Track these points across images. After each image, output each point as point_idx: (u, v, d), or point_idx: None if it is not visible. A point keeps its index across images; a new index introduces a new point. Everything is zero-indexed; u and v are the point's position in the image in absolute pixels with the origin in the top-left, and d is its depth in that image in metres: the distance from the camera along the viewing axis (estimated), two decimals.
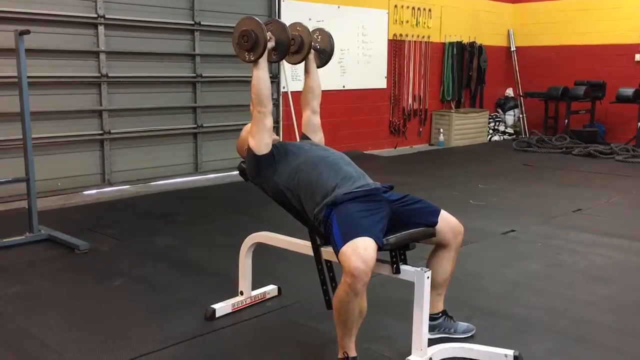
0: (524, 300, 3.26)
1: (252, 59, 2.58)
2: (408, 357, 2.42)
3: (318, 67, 2.96)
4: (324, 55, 2.96)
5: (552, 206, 5.44)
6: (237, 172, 2.89)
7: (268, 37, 2.59)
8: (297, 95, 7.51)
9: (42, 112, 5.42)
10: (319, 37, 2.94)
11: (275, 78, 7.30)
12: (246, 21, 2.60)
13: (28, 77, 4.17)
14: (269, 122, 2.62)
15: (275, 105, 7.37)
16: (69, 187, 5.74)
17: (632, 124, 9.20)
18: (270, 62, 2.71)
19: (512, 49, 10.79)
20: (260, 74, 2.59)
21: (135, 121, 6.21)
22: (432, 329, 2.65)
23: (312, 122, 2.95)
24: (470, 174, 7.12)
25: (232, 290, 3.12)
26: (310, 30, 2.88)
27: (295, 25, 2.86)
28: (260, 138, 2.60)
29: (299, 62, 2.93)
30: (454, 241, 2.62)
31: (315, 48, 2.91)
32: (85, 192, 5.83)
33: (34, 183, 4.25)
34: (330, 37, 2.96)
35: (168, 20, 6.34)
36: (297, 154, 2.65)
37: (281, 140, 2.97)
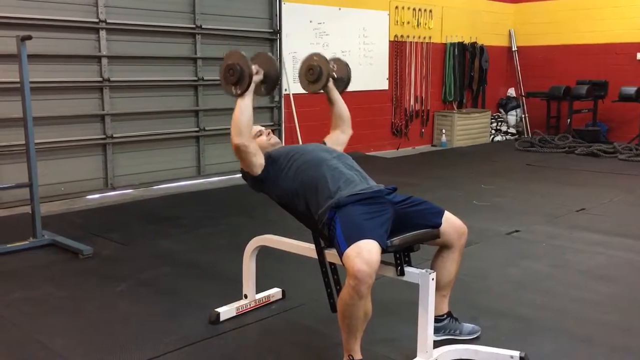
0: (529, 300, 3.25)
1: (239, 92, 2.57)
2: (413, 359, 2.41)
3: (339, 92, 3.01)
4: (341, 84, 3.02)
5: (556, 206, 5.42)
6: (240, 175, 2.88)
7: (255, 71, 2.59)
8: (298, 97, 7.52)
9: (45, 117, 5.43)
10: (335, 66, 2.99)
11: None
12: (231, 55, 2.59)
13: (30, 82, 4.17)
14: (253, 148, 2.60)
15: (277, 107, 7.37)
16: (72, 192, 5.75)
17: (634, 122, 9.19)
18: (259, 95, 2.71)
19: (513, 49, 10.78)
20: (244, 103, 2.57)
21: (137, 125, 6.22)
22: (437, 330, 2.64)
23: (340, 139, 3.00)
24: (473, 174, 7.11)
25: (236, 293, 3.12)
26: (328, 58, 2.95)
27: (312, 55, 2.94)
28: (252, 166, 2.62)
29: (318, 91, 2.98)
30: (458, 242, 2.61)
31: (332, 77, 2.96)
32: (88, 197, 5.83)
33: (37, 188, 4.25)
34: (346, 65, 3.04)
35: (169, 24, 6.35)
36: (298, 157, 2.65)
37: (283, 143, 2.97)
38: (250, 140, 2.60)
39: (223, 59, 2.61)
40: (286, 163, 2.64)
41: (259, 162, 2.62)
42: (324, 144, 2.94)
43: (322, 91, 3.00)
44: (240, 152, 2.59)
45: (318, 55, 2.93)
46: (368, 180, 2.62)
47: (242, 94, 2.57)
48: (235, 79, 2.56)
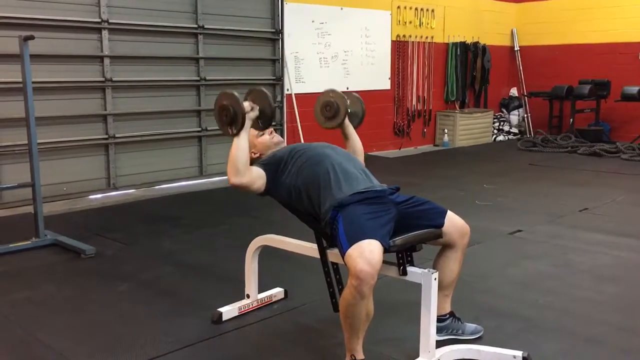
0: (532, 300, 3.25)
1: (234, 132, 2.57)
2: (416, 359, 2.41)
3: (353, 127, 3.01)
4: (356, 119, 3.03)
5: (559, 206, 5.41)
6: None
7: (250, 108, 2.58)
8: (300, 97, 7.52)
9: (47, 117, 5.43)
10: (349, 100, 2.99)
11: (279, 80, 7.30)
12: (223, 96, 2.60)
13: (33, 82, 4.18)
14: (251, 179, 2.58)
15: (280, 107, 7.37)
16: (74, 192, 5.75)
17: (637, 122, 9.17)
18: (256, 129, 2.71)
19: (515, 49, 10.77)
20: (240, 143, 2.55)
21: (139, 125, 6.22)
22: (439, 330, 2.64)
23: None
24: (476, 174, 7.10)
25: (238, 293, 3.12)
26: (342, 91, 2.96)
27: (328, 92, 2.95)
28: (254, 191, 2.62)
29: (336, 127, 2.98)
30: (460, 242, 2.61)
31: (348, 112, 2.97)
32: (90, 197, 5.84)
33: (39, 188, 4.25)
34: (359, 99, 3.05)
35: (171, 24, 6.35)
36: (302, 153, 2.65)
37: (285, 142, 2.97)
38: (247, 176, 2.57)
39: (216, 101, 2.62)
40: (289, 160, 2.65)
41: (259, 185, 2.62)
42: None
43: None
44: (240, 189, 2.60)
45: (334, 91, 2.95)
46: (372, 178, 2.62)
47: (237, 134, 2.57)
48: (230, 120, 2.57)
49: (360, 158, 2.97)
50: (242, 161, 2.54)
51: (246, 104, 2.57)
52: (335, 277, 2.74)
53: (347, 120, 2.95)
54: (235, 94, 2.57)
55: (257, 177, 2.60)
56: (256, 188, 2.61)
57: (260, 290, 3.13)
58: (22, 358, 2.65)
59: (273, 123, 2.89)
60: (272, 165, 2.66)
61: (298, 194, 2.60)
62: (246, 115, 2.55)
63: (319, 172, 2.55)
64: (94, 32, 5.83)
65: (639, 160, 7.82)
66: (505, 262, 3.92)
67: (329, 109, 2.93)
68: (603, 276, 3.64)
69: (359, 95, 3.06)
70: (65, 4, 5.60)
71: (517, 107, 10.67)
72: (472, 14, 10.03)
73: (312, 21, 7.79)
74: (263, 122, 2.68)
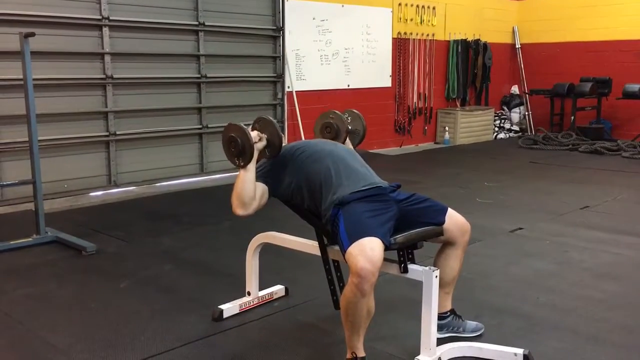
0: (533, 298, 3.25)
1: (242, 164, 2.55)
2: (417, 357, 2.41)
3: (353, 146, 3.03)
4: (357, 135, 3.04)
5: (560, 203, 5.41)
6: None
7: (257, 138, 2.56)
8: (301, 94, 7.52)
9: (48, 114, 5.43)
10: (349, 117, 3.00)
11: (279, 78, 7.29)
12: (231, 128, 2.58)
13: (33, 79, 4.17)
14: (256, 208, 2.58)
15: (280, 105, 7.37)
16: (75, 189, 5.75)
17: (638, 120, 9.17)
18: (264, 158, 2.68)
19: (517, 46, 10.76)
20: (247, 177, 2.54)
21: (140, 122, 6.22)
22: (440, 328, 2.64)
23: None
24: (477, 172, 7.10)
25: (239, 290, 3.12)
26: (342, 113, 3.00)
27: (327, 114, 2.97)
28: (261, 207, 2.61)
29: None
30: (461, 239, 2.61)
31: (347, 130, 2.98)
32: (91, 194, 5.84)
33: (40, 185, 4.25)
34: (360, 116, 3.05)
35: (172, 21, 6.34)
36: (303, 150, 2.65)
37: (286, 139, 2.97)
38: (254, 206, 2.56)
39: (224, 131, 2.60)
40: (290, 157, 2.64)
41: (263, 203, 2.62)
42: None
43: None
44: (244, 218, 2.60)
45: (334, 112, 2.97)
46: (373, 174, 2.61)
47: (245, 166, 2.55)
48: (237, 152, 2.55)
49: None
50: (248, 194, 2.53)
51: (254, 134, 2.55)
52: (336, 274, 2.74)
53: (347, 141, 2.99)
54: (243, 126, 2.55)
55: (260, 197, 2.59)
56: (262, 205, 2.62)
57: (261, 288, 3.13)
58: (23, 355, 2.65)
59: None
60: (273, 171, 2.66)
61: (299, 191, 2.60)
62: (254, 146, 2.53)
63: (319, 169, 2.55)
64: (94, 29, 5.83)
65: (639, 158, 7.82)
66: (506, 259, 3.92)
67: (329, 131, 2.97)
68: (604, 274, 3.64)
69: (359, 113, 3.07)
70: (66, 0, 5.59)
71: (518, 105, 10.66)
72: (474, 12, 10.01)
73: (313, 18, 7.78)
74: (270, 152, 2.64)
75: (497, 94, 10.72)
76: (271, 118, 2.69)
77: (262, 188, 2.61)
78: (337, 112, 2.99)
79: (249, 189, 2.53)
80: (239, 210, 2.55)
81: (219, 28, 6.69)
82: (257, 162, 2.62)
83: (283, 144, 2.83)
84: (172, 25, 6.34)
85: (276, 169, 2.65)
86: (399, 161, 8.00)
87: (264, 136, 2.60)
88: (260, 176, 2.63)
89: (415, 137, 9.39)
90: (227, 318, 2.96)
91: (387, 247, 2.29)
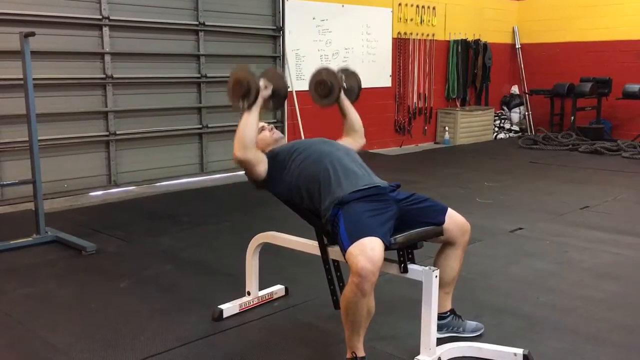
0: (533, 298, 3.24)
1: (246, 106, 2.57)
2: (417, 357, 2.41)
3: (351, 102, 3.00)
4: (352, 94, 3.01)
5: (560, 203, 5.41)
6: (243, 172, 2.88)
7: (264, 86, 2.60)
8: (301, 94, 7.51)
9: (48, 114, 5.43)
10: (343, 76, 2.97)
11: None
12: (238, 70, 2.61)
13: (33, 79, 4.17)
14: (256, 157, 2.60)
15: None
16: (75, 189, 5.75)
17: (638, 120, 9.16)
18: (267, 109, 2.71)
19: (517, 46, 10.75)
20: (250, 120, 2.57)
21: (140, 122, 6.22)
22: (440, 328, 2.64)
23: (356, 143, 2.96)
24: (477, 172, 7.10)
25: (239, 290, 3.12)
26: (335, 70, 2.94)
27: (320, 70, 2.93)
28: (255, 174, 2.63)
29: (330, 105, 2.96)
30: (461, 239, 2.61)
31: (343, 88, 2.95)
32: (91, 194, 5.84)
33: (40, 185, 4.25)
34: (355, 74, 3.02)
35: (172, 21, 6.34)
36: (301, 151, 2.65)
37: (286, 138, 2.97)
38: (253, 153, 2.59)
39: (231, 73, 2.62)
40: (289, 158, 2.64)
41: (262, 169, 2.63)
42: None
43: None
44: (243, 165, 2.61)
45: (326, 69, 2.93)
46: (371, 174, 2.61)
47: (249, 108, 2.57)
48: (243, 93, 2.57)
49: (360, 135, 2.97)
50: (249, 137, 2.55)
51: (261, 82, 2.59)
52: (336, 274, 2.74)
53: (342, 96, 2.93)
54: (251, 68, 2.58)
55: (261, 160, 2.62)
56: (258, 171, 2.62)
57: (261, 288, 3.13)
58: (23, 354, 2.65)
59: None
60: (272, 160, 2.66)
61: (298, 191, 2.60)
62: (260, 89, 2.56)
63: (318, 170, 2.54)
64: (94, 29, 5.83)
65: (639, 158, 7.81)
66: (506, 260, 3.92)
67: (323, 87, 2.90)
68: (604, 274, 3.64)
69: (354, 70, 3.02)
70: (67, 0, 5.59)
71: (518, 105, 10.66)
72: (474, 12, 10.01)
73: (313, 18, 7.78)
74: (275, 103, 2.69)
75: (497, 94, 10.72)
76: (279, 70, 2.70)
77: (263, 156, 2.64)
78: (329, 68, 2.93)
79: (250, 132, 2.55)
80: (239, 152, 2.56)
81: (219, 28, 6.69)
82: (261, 113, 2.63)
83: (283, 142, 2.84)
84: (172, 25, 6.34)
85: (275, 168, 2.65)
86: (398, 161, 8.00)
87: (270, 86, 2.63)
88: (263, 153, 2.66)
89: (415, 137, 9.39)
90: (227, 318, 2.96)
91: (387, 247, 2.29)
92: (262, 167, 2.63)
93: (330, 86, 2.89)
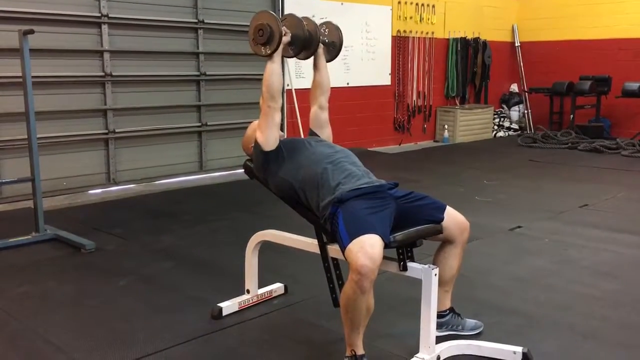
0: (532, 296, 3.25)
1: (268, 52, 2.56)
2: (416, 355, 2.41)
3: (328, 61, 2.95)
4: (334, 49, 2.94)
5: (559, 202, 5.41)
6: (242, 170, 2.88)
7: (284, 32, 2.58)
8: (300, 92, 7.51)
9: (47, 112, 5.43)
10: (327, 30, 2.92)
11: None
12: (261, 15, 2.59)
13: (32, 76, 4.17)
14: (278, 117, 2.61)
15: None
16: (74, 187, 5.75)
17: (638, 118, 9.17)
18: (286, 57, 2.70)
19: (516, 45, 10.75)
20: (274, 68, 2.57)
21: (139, 120, 6.22)
22: (439, 326, 2.64)
23: (320, 117, 2.93)
24: (476, 170, 7.10)
25: (238, 288, 3.12)
26: (318, 24, 2.86)
27: (301, 20, 2.82)
28: (269, 133, 2.59)
29: (308, 58, 2.91)
30: (460, 237, 2.61)
31: (324, 42, 2.89)
32: (90, 192, 5.84)
33: (39, 183, 4.25)
34: (338, 29, 2.95)
35: (172, 19, 6.34)
36: (301, 150, 2.65)
37: (286, 137, 2.96)
38: (280, 103, 2.58)
39: (252, 19, 2.60)
40: (288, 156, 2.64)
41: (276, 136, 2.61)
42: (314, 133, 2.92)
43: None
44: (267, 119, 2.56)
45: (308, 19, 2.82)
46: (370, 175, 2.61)
47: (271, 54, 2.56)
48: (265, 39, 2.55)
49: (325, 96, 2.91)
50: (276, 86, 2.56)
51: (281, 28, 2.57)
52: (335, 272, 2.74)
53: (321, 50, 2.88)
54: (274, 14, 2.57)
55: (278, 127, 2.61)
56: (274, 134, 2.59)
57: (260, 286, 3.13)
58: (22, 352, 2.65)
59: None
60: (271, 166, 2.65)
61: (295, 191, 2.60)
62: (282, 35, 2.54)
63: (316, 171, 2.54)
64: (93, 27, 5.83)
65: (639, 157, 7.81)
66: (505, 258, 3.92)
67: (306, 42, 2.77)
68: (603, 272, 3.64)
69: (337, 25, 2.95)
70: None
71: (518, 103, 10.66)
72: (473, 10, 10.00)
73: (313, 16, 7.65)
74: (294, 49, 2.66)
75: (497, 92, 10.72)
76: (298, 17, 2.67)
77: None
78: (311, 19, 2.84)
79: (277, 80, 2.56)
80: (271, 102, 2.55)
81: (218, 26, 6.68)
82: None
83: (284, 137, 2.83)
84: (171, 23, 6.34)
85: (274, 167, 2.65)
86: (398, 159, 8.00)
87: (289, 32, 2.62)
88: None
89: (415, 136, 9.38)
90: (226, 316, 2.95)
91: (387, 245, 2.29)
92: (277, 133, 2.60)
93: (308, 37, 2.76)
